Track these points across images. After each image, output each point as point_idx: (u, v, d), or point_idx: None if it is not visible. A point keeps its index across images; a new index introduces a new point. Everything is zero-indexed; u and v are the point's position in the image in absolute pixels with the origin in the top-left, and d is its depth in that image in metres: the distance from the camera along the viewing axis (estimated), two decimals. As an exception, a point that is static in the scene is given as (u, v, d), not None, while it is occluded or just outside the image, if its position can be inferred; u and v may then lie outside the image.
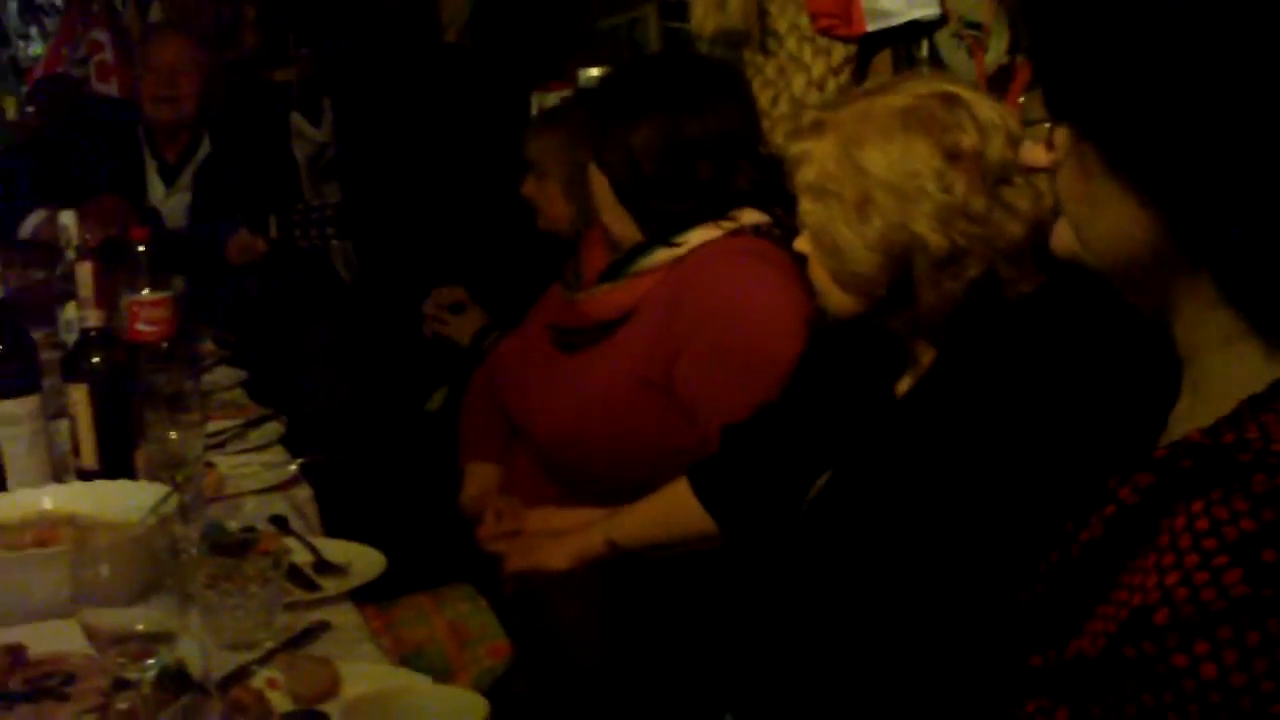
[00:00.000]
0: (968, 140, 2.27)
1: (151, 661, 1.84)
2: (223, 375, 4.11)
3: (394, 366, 5.32)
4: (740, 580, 2.73)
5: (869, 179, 2.29)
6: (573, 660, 3.04)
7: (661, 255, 3.19)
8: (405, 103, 6.72)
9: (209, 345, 4.44)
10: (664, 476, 3.03)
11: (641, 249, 3.22)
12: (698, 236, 3.15)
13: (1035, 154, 1.53)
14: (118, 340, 3.01)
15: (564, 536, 3.07)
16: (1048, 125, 1.47)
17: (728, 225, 3.15)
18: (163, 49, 5.45)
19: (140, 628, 1.83)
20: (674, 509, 2.97)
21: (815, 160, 2.36)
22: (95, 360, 2.84)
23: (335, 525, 3.05)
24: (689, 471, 2.95)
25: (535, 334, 3.50)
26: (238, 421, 3.58)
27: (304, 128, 6.74)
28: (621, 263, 3.26)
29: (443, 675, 2.53)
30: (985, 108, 2.31)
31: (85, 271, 2.82)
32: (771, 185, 3.17)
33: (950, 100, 2.31)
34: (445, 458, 3.82)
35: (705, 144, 3.13)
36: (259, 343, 4.71)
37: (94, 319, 2.86)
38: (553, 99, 6.03)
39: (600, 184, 3.23)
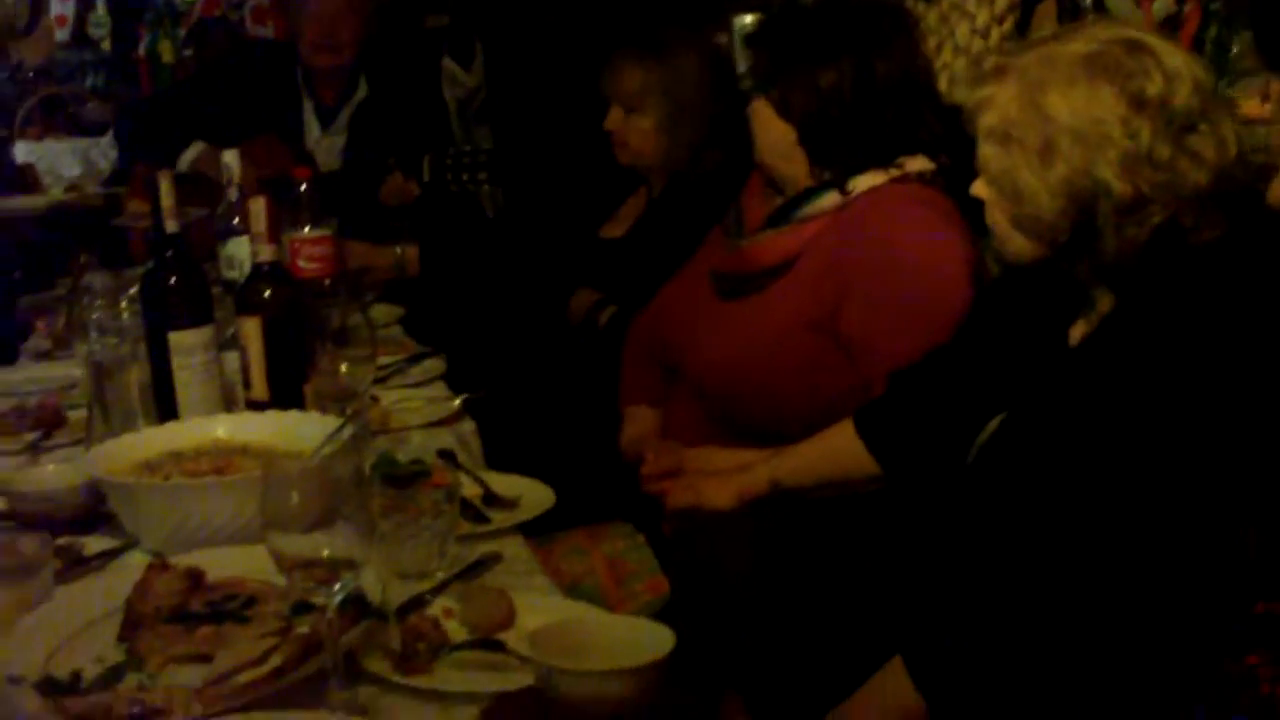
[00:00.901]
0: (1153, 87, 2.25)
1: (337, 586, 1.87)
2: (381, 312, 4.15)
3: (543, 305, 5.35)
4: (903, 523, 2.72)
5: (1053, 125, 2.28)
6: (731, 599, 3.03)
7: (827, 201, 3.18)
8: (556, 48, 6.72)
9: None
10: (825, 420, 3.02)
11: (807, 194, 3.20)
12: (865, 182, 3.14)
13: (1250, 105, 1.51)
14: (289, 275, 3.04)
15: (726, 475, 3.06)
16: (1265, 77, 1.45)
17: (894, 171, 3.13)
18: None
19: (326, 554, 1.86)
20: (838, 450, 2.96)
21: (997, 105, 2.35)
22: (267, 294, 2.87)
23: (496, 460, 3.08)
24: (855, 414, 2.94)
25: (697, 280, 3.49)
26: (399, 357, 3.62)
27: (456, 72, 6.76)
28: (786, 208, 3.24)
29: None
30: (1172, 55, 2.29)
31: (259, 206, 2.86)
32: (939, 132, 3.16)
33: (1136, 46, 2.29)
34: (601, 395, 3.83)
35: (891, 87, 3.12)
36: (411, 281, 4.74)
37: (266, 254, 2.89)
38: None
39: (774, 126, 3.21)
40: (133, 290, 3.12)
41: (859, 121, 3.13)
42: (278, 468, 1.93)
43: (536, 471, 2.83)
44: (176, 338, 2.81)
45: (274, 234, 2.89)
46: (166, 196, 2.80)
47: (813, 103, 3.14)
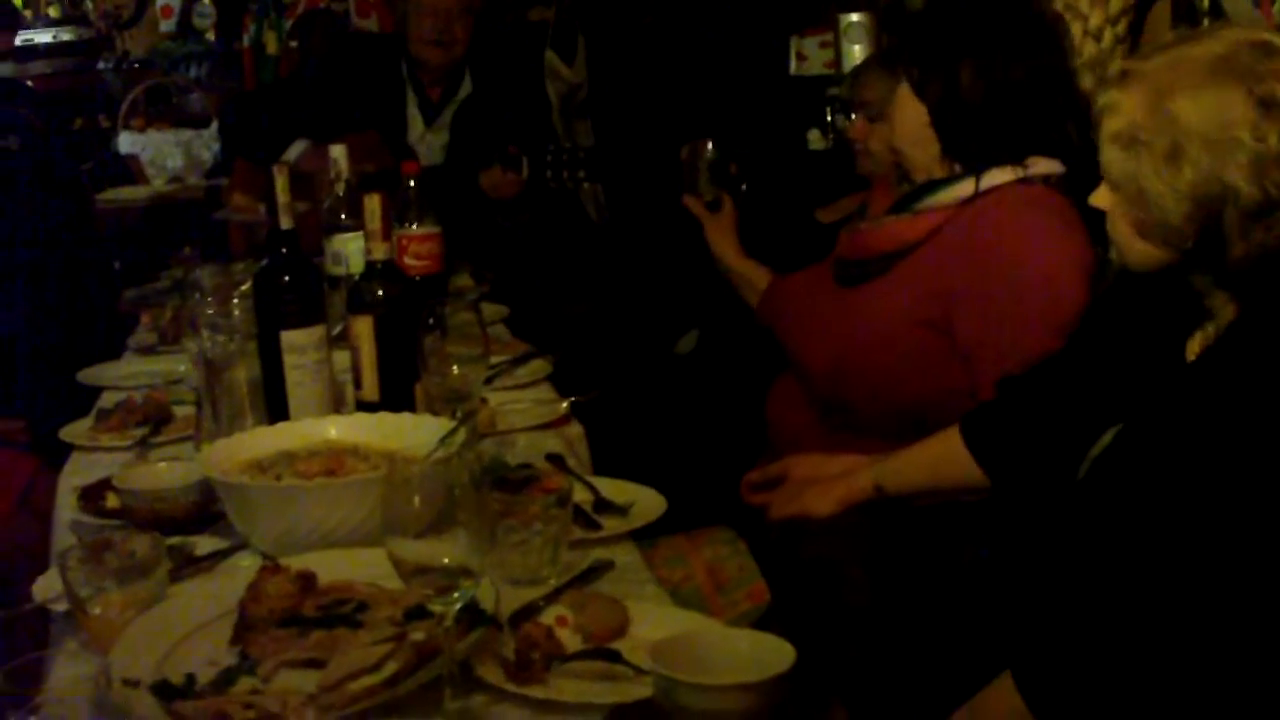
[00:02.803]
0: None
1: (456, 595, 1.85)
2: (485, 311, 4.12)
3: (645, 309, 5.33)
4: (1010, 534, 2.69)
5: (1180, 128, 2.24)
6: (837, 609, 3.00)
7: (950, 194, 3.15)
8: (659, 44, 6.71)
9: (467, 280, 4.47)
10: (933, 415, 3.01)
11: (932, 185, 3.18)
12: (990, 179, 3.10)
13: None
14: (401, 273, 3.03)
15: (829, 481, 3.04)
16: None
17: (1020, 171, 3.10)
18: None
19: (445, 561, 1.84)
20: (943, 457, 2.92)
21: (1123, 110, 2.31)
22: (380, 292, 2.86)
23: (600, 463, 3.06)
24: (961, 421, 2.90)
25: (819, 272, 3.48)
26: (505, 358, 3.59)
27: (558, 66, 6.76)
28: (910, 197, 3.23)
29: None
30: None
31: (374, 204, 2.84)
32: (1072, 137, 3.12)
33: (1266, 49, 2.25)
34: (698, 400, 3.80)
35: (1029, 87, 3.09)
36: (515, 280, 4.73)
37: (379, 252, 2.88)
38: (810, 43, 5.99)
39: (909, 106, 3.18)
40: (244, 286, 3.11)
41: (992, 117, 3.09)
42: (398, 471, 1.90)
43: (637, 475, 2.81)
44: (289, 336, 2.80)
45: (387, 231, 2.88)
46: (282, 192, 2.79)
47: (948, 88, 3.11)
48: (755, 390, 3.62)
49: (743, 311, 3.82)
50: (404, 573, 1.87)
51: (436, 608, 1.87)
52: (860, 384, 3.21)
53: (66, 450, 3.23)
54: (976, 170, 3.11)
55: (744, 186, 3.97)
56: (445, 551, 1.84)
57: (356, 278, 3.37)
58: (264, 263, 2.93)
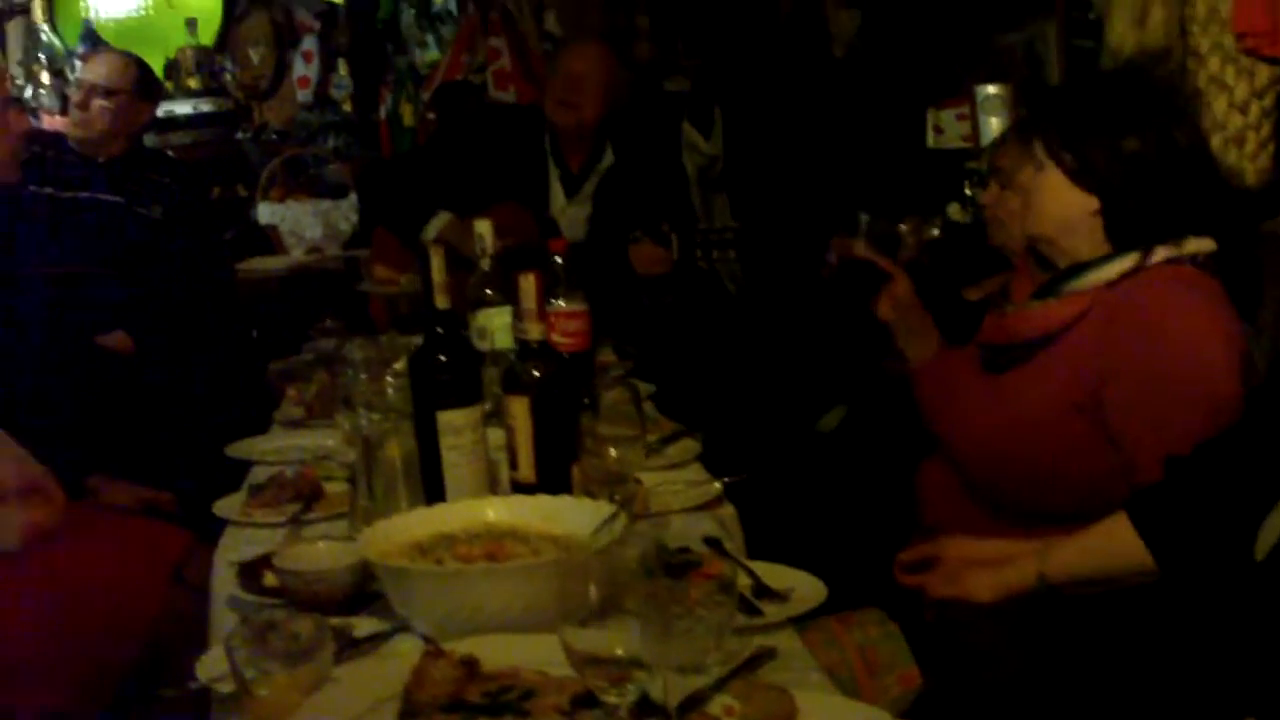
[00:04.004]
0: None
1: (631, 686, 1.84)
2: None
3: (785, 384, 5.31)
4: (1179, 621, 2.64)
5: None
6: (992, 695, 2.97)
7: (1098, 276, 3.11)
8: (795, 116, 6.71)
9: (611, 357, 4.46)
10: (1087, 501, 2.98)
11: (1079, 268, 3.14)
12: (1135, 260, 3.06)
13: None
14: (557, 353, 3.02)
15: (990, 567, 2.99)
16: None
17: (1175, 249, 3.06)
18: (577, 55, 5.52)
19: (619, 651, 1.83)
20: (1109, 543, 2.88)
21: None
22: (536, 373, 2.85)
23: (751, 545, 3.03)
24: (1127, 505, 2.86)
25: (965, 355, 3.45)
26: (654, 437, 3.57)
27: (695, 139, 6.78)
28: (1055, 281, 3.19)
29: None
30: None
31: (529, 283, 2.83)
32: (1219, 211, 3.08)
33: None
34: (846, 479, 3.78)
35: (1189, 158, 3.06)
36: (658, 356, 4.72)
37: (535, 332, 2.86)
38: (947, 116, 5.96)
39: (1067, 196, 3.13)
40: (397, 364, 3.12)
41: (1162, 191, 3.05)
42: (572, 558, 1.89)
43: (785, 556, 2.78)
44: (445, 417, 2.79)
45: (543, 311, 2.87)
46: (438, 271, 2.79)
47: (1116, 169, 3.07)
48: (903, 468, 3.58)
49: (889, 386, 3.79)
50: (576, 661, 1.86)
51: (610, 699, 1.85)
52: (1011, 470, 3.18)
53: (217, 523, 3.25)
54: (1142, 250, 3.07)
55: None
56: (619, 641, 1.82)
57: (503, 353, 3.39)
58: (420, 342, 2.93)
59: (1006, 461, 3.18)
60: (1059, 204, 3.14)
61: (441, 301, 2.82)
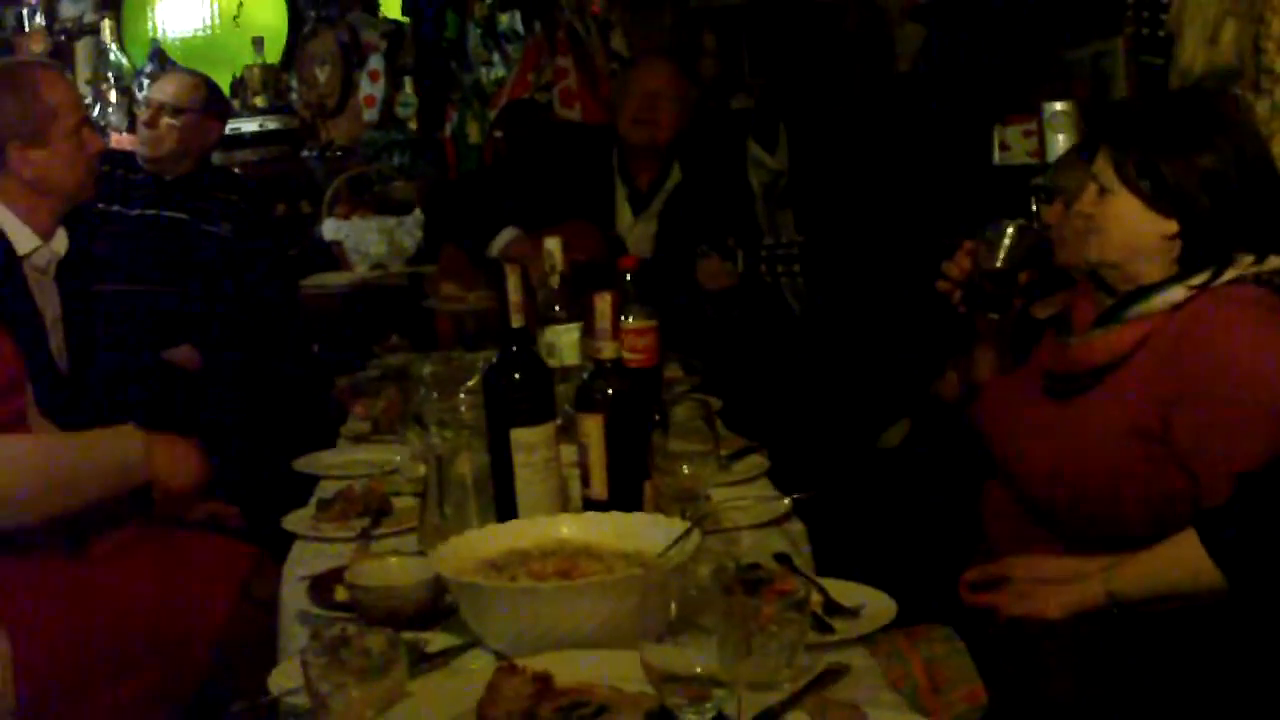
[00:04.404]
0: None
1: (710, 704, 1.84)
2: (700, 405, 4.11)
3: (850, 399, 5.30)
4: (1247, 638, 2.62)
5: None
6: (1055, 711, 2.96)
7: (1162, 300, 3.09)
8: (859, 132, 6.70)
9: (678, 372, 4.47)
10: (1152, 522, 2.97)
11: (1142, 292, 3.12)
12: (1202, 280, 3.04)
13: None
14: (629, 371, 3.02)
15: (1059, 585, 2.99)
16: None
17: (1238, 270, 3.04)
18: (651, 73, 5.55)
19: (699, 670, 1.83)
20: (1178, 562, 2.88)
21: None
22: (609, 391, 2.85)
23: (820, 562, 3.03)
24: (1196, 523, 2.84)
25: (1026, 378, 3.42)
26: (723, 452, 3.56)
27: (761, 155, 6.78)
28: (1119, 306, 3.16)
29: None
30: None
31: (604, 303, 2.83)
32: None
33: None
34: (911, 496, 3.77)
35: (1260, 170, 3.04)
36: (724, 371, 4.72)
37: (609, 351, 2.86)
38: (1014, 132, 5.94)
39: (1142, 221, 3.10)
40: (470, 382, 3.13)
41: (1240, 208, 3.03)
42: (653, 575, 1.90)
43: (850, 571, 2.78)
44: (519, 434, 2.79)
45: (618, 330, 2.87)
46: (514, 291, 2.80)
47: (1195, 189, 3.04)
48: (967, 485, 3.57)
49: (945, 406, 3.78)
50: (655, 679, 1.86)
51: (689, 717, 1.85)
52: (1075, 494, 3.16)
53: (283, 538, 3.27)
54: (1212, 271, 3.05)
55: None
56: (698, 659, 1.82)
57: (572, 369, 3.40)
58: (488, 358, 2.93)
59: (1071, 486, 3.16)
60: (1130, 230, 3.11)
61: (517, 320, 2.83)
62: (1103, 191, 3.12)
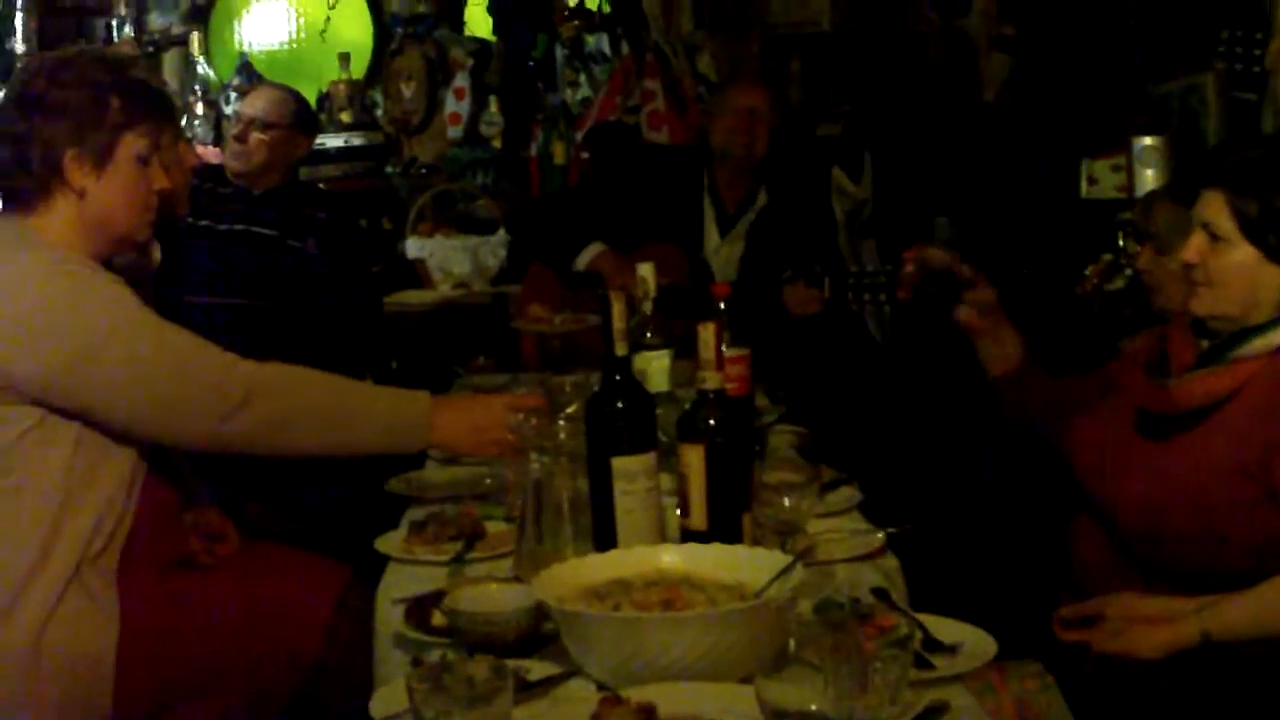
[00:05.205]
0: None
1: (824, 743, 1.84)
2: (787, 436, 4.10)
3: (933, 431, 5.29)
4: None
5: None
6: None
7: (1266, 341, 3.08)
8: (944, 161, 6.69)
9: (764, 401, 4.45)
10: (1252, 563, 2.97)
11: (1246, 334, 3.10)
12: None
13: None
14: (731, 401, 3.02)
15: (1155, 625, 2.99)
16: None
17: None
18: (746, 92, 5.59)
19: (814, 707, 1.83)
20: (1276, 604, 2.88)
21: None
22: (712, 422, 2.84)
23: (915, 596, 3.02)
24: None
25: (1117, 417, 3.39)
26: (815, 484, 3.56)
27: (845, 183, 6.78)
28: (1220, 348, 3.14)
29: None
30: None
31: (709, 333, 2.83)
32: None
33: None
34: (1003, 528, 3.75)
35: None
36: (809, 401, 4.70)
37: (713, 381, 2.85)
38: (1102, 166, 5.92)
39: (1261, 272, 3.07)
40: (570, 409, 3.13)
41: None
42: (765, 609, 1.90)
43: (941, 605, 2.76)
44: (620, 463, 2.80)
45: (721, 361, 2.87)
46: (619, 319, 2.81)
47: None
48: (1057, 519, 3.55)
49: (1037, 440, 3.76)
50: (768, 713, 1.86)
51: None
52: (1173, 534, 3.14)
53: (375, 559, 3.27)
54: None
55: None
56: (812, 695, 1.82)
57: (663, 396, 3.39)
58: (576, 380, 2.94)
59: (1169, 526, 3.14)
60: (1249, 283, 3.08)
61: (621, 349, 2.84)
62: (1215, 240, 3.08)
